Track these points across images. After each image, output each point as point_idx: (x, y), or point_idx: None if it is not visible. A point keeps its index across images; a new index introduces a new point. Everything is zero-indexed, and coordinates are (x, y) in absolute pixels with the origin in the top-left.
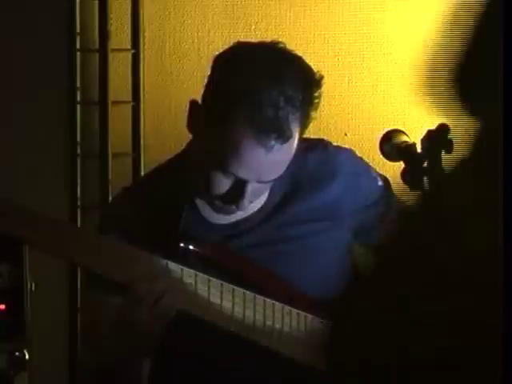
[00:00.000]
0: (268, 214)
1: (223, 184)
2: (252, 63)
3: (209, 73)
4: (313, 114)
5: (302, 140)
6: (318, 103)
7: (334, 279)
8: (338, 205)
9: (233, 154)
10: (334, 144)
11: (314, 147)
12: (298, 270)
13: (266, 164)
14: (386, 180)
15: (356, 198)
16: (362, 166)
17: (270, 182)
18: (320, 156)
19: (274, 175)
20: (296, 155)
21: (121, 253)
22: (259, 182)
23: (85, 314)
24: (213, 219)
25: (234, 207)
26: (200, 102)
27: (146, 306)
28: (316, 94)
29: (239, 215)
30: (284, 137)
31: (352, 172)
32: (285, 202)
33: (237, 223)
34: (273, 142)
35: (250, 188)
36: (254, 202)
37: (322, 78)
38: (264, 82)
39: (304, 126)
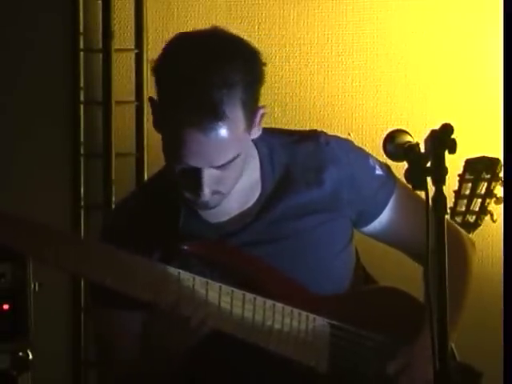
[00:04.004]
0: (262, 208)
1: (182, 175)
2: (184, 49)
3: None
4: (259, 90)
5: (293, 132)
6: (262, 80)
7: (338, 274)
8: (335, 196)
9: (178, 143)
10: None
11: (306, 139)
12: (299, 265)
13: (209, 147)
14: (386, 167)
15: (353, 188)
16: (357, 155)
17: (224, 165)
18: (311, 148)
19: (224, 157)
20: (287, 147)
21: (122, 262)
22: (212, 166)
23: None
24: (210, 218)
25: (201, 200)
26: None
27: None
28: (257, 71)
29: (234, 211)
30: (217, 116)
31: (345, 161)
32: (279, 196)
33: (232, 221)
34: (208, 124)
35: (206, 175)
36: (227, 193)
37: (258, 53)
38: (192, 65)
39: (247, 104)
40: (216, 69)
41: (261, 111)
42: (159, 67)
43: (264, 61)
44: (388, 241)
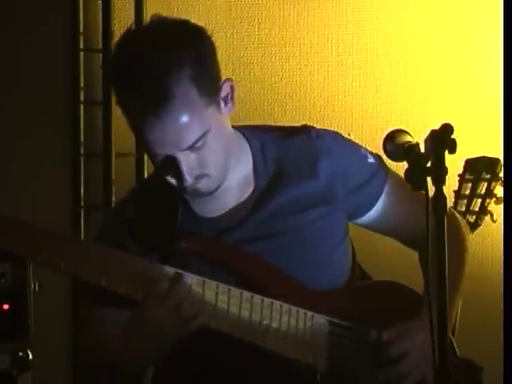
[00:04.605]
0: (258, 203)
1: (162, 166)
2: (125, 44)
3: None
4: (212, 64)
5: (283, 127)
6: (212, 53)
7: (336, 270)
8: (330, 188)
9: (142, 135)
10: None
11: (297, 133)
12: (298, 261)
13: (168, 131)
14: (378, 157)
15: (347, 179)
16: (348, 147)
17: (194, 146)
18: (303, 142)
19: (189, 137)
20: (278, 142)
21: (120, 262)
22: (182, 149)
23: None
24: (205, 213)
25: (188, 186)
26: None
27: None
28: (203, 46)
29: (229, 206)
30: (166, 99)
31: (337, 154)
32: (274, 191)
33: (227, 215)
34: (160, 108)
35: (182, 160)
36: (216, 176)
37: (201, 28)
38: (133, 56)
39: (201, 79)
40: (157, 53)
41: (227, 84)
42: (107, 69)
43: (210, 33)
44: (382, 230)
